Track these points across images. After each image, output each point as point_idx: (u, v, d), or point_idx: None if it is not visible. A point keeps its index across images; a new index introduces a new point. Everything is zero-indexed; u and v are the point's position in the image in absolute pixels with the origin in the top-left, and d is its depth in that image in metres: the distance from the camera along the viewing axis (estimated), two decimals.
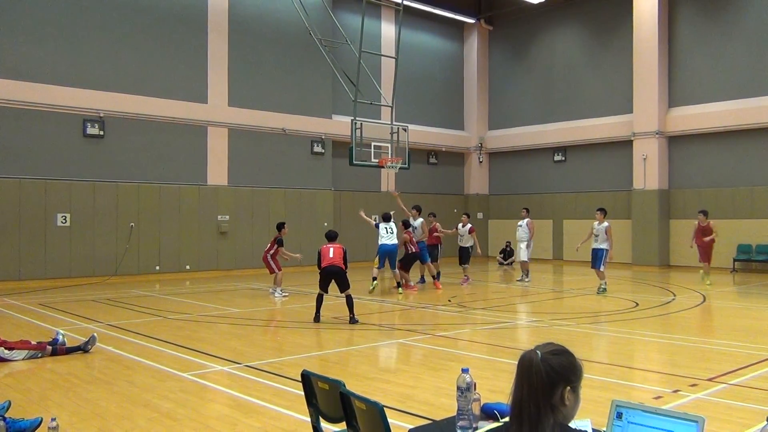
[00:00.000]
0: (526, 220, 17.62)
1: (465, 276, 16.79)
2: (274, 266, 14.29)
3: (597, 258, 14.67)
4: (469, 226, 16.90)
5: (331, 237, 11.35)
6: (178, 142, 18.88)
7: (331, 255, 10.88)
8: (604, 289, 14.53)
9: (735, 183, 20.19)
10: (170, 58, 18.67)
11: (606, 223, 14.68)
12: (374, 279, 14.61)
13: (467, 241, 16.78)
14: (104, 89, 17.44)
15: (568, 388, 2.11)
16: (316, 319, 10.72)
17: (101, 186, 17.41)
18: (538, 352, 2.13)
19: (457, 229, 17.08)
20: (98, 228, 17.31)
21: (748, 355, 8.02)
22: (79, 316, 11.26)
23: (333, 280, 10.84)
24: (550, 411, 2.07)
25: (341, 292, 10.87)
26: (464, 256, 16.83)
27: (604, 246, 14.63)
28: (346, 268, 10.95)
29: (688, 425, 2.09)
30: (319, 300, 10.88)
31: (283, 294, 14.07)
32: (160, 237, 18.38)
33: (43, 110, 16.51)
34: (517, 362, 2.16)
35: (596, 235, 14.75)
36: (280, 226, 14.83)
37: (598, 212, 14.96)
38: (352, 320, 10.54)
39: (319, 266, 10.99)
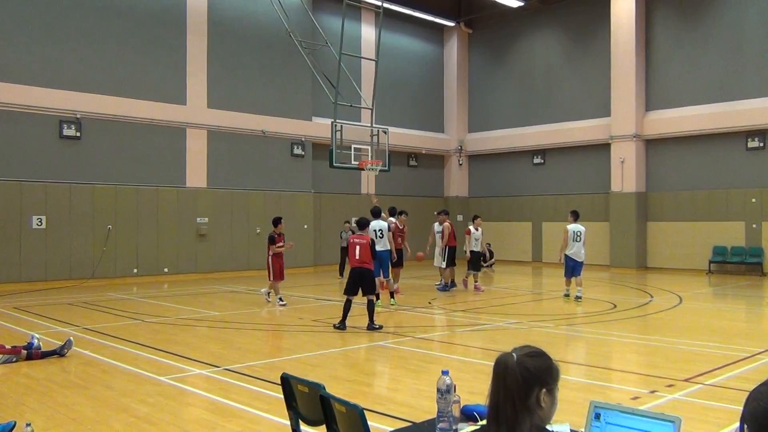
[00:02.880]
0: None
1: (477, 283, 15.73)
2: (271, 270, 13.17)
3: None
4: (480, 230, 15.97)
5: (362, 225, 10.74)
6: (157, 144, 18.71)
7: (357, 255, 10.21)
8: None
9: (711, 186, 20.47)
10: (148, 59, 18.50)
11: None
12: (377, 296, 12.59)
13: (479, 245, 15.87)
14: (81, 90, 17.24)
15: (544, 390, 2.11)
16: (341, 326, 10.07)
17: (78, 188, 17.20)
18: (513, 354, 2.14)
19: (469, 232, 15.78)
20: (75, 230, 17.09)
21: (723, 355, 8.13)
22: (54, 320, 11.11)
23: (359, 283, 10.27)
24: (527, 413, 2.08)
25: (363, 295, 10.35)
26: (476, 261, 15.81)
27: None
28: (375, 260, 10.40)
29: (665, 425, 2.11)
30: (347, 306, 10.14)
31: (281, 302, 13.07)
32: (137, 239, 18.19)
33: (18, 111, 16.28)
34: (492, 365, 2.17)
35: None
36: (275, 222, 13.53)
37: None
38: (371, 327, 10.08)
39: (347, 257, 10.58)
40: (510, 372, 2.09)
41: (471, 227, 15.96)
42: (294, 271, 21.11)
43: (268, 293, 13.54)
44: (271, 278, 13.19)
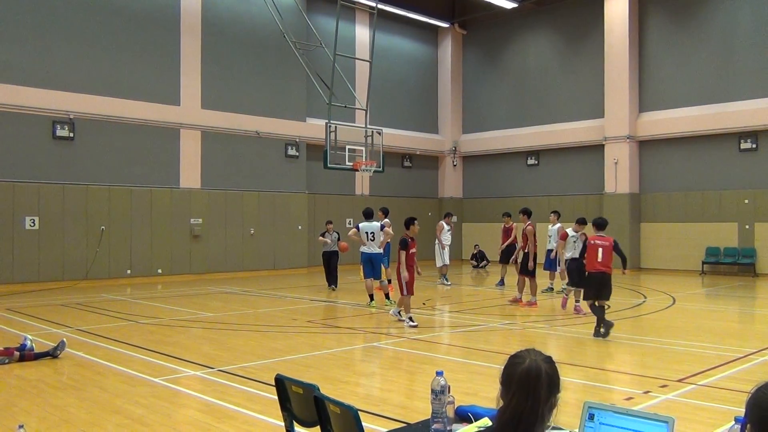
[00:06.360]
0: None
1: (565, 296, 12.86)
2: (403, 284, 10.66)
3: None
4: (558, 225, 14.44)
5: (600, 225, 9.80)
6: (150, 145, 18.65)
7: (600, 257, 9.31)
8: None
9: (703, 187, 20.55)
10: (142, 59, 18.45)
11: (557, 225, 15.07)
12: (371, 298, 12.75)
13: (577, 251, 12.34)
14: (74, 90, 17.18)
15: (558, 395, 2.13)
16: (604, 333, 9.21)
17: (71, 188, 17.14)
18: (537, 361, 2.12)
19: (565, 236, 12.66)
20: (68, 231, 17.02)
21: (716, 356, 8.16)
22: (47, 321, 11.07)
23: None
24: (542, 419, 2.08)
25: (598, 299, 9.53)
26: (573, 272, 12.20)
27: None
28: (625, 263, 9.64)
29: (658, 426, 2.12)
30: (598, 312, 9.28)
31: (411, 323, 10.52)
32: (131, 240, 18.14)
33: (11, 111, 16.20)
34: (519, 371, 2.12)
35: (550, 236, 15.18)
36: (408, 223, 11.08)
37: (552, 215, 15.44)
38: (598, 333, 9.32)
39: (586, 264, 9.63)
40: (542, 380, 2.09)
41: (569, 230, 12.69)
42: (288, 272, 21.11)
43: (399, 311, 11.04)
44: (403, 292, 10.74)
